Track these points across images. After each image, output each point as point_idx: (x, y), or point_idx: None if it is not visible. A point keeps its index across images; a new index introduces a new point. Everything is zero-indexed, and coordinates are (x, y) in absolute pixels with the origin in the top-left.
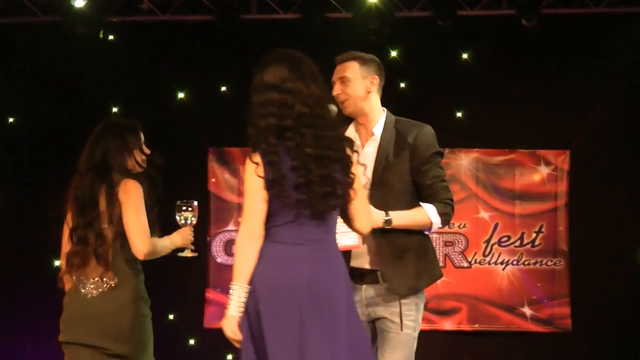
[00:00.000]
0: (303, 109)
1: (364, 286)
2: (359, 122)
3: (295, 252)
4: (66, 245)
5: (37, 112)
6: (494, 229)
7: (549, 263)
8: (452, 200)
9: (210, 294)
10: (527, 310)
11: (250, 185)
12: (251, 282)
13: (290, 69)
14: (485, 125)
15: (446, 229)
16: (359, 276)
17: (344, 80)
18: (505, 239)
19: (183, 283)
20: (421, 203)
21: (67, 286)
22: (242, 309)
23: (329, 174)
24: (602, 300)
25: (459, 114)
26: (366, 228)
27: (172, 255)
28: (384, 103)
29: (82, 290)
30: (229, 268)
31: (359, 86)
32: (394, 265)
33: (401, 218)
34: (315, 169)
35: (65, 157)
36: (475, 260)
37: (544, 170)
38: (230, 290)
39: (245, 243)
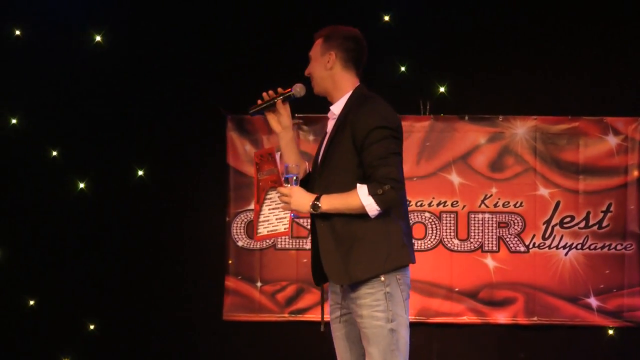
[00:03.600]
0: None
1: None
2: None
3: None
4: None
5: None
6: (554, 208)
7: (619, 247)
8: (393, 178)
9: (230, 283)
10: (593, 301)
11: None
12: None
13: None
14: (544, 89)
15: (500, 207)
16: None
17: (310, 58)
18: (568, 219)
19: (199, 270)
20: (358, 184)
21: None
22: None
23: None
24: None
25: (514, 76)
26: None
27: (186, 239)
28: (429, 61)
29: None
30: (251, 252)
31: (319, 65)
32: (330, 253)
33: (331, 202)
34: None
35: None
36: (534, 244)
37: (612, 141)
38: None
39: None
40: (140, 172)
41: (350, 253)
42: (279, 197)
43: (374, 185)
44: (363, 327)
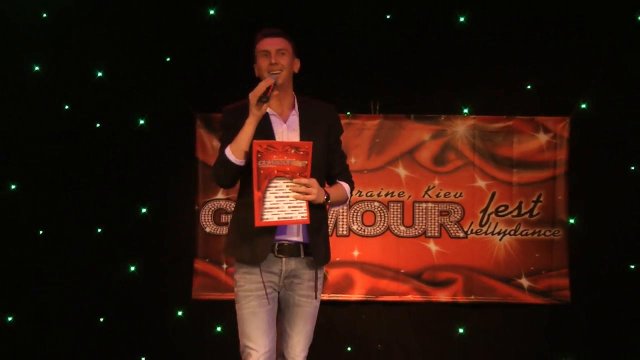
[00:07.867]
0: None
1: (284, 259)
2: (278, 98)
3: None
4: None
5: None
6: (491, 198)
7: (547, 233)
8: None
9: (199, 265)
10: (525, 282)
11: None
12: None
13: None
14: (482, 91)
15: (442, 198)
16: (280, 249)
17: (282, 52)
18: (502, 208)
19: (170, 253)
20: (338, 181)
21: None
22: None
23: None
24: (601, 271)
25: (455, 79)
26: None
27: (159, 225)
28: (379, 66)
29: None
30: (217, 238)
31: (292, 62)
32: (315, 237)
33: (335, 194)
34: None
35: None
36: (472, 230)
37: (543, 138)
38: None
39: None
40: (116, 164)
41: (324, 237)
42: (291, 187)
43: (352, 185)
44: (306, 306)
